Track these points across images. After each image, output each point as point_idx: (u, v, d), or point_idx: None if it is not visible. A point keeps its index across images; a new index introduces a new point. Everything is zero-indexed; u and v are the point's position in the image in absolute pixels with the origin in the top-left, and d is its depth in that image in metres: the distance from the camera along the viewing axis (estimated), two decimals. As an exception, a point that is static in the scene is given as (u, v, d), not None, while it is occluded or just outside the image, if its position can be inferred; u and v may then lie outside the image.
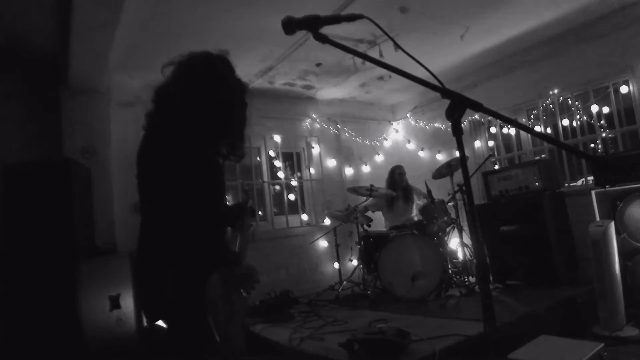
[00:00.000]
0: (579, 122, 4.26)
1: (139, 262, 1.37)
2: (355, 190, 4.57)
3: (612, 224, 3.02)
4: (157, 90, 1.46)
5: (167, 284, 1.28)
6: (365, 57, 1.11)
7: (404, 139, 6.14)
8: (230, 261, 1.40)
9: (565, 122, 4.38)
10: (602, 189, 3.35)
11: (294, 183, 5.47)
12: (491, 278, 3.89)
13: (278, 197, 5.38)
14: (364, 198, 4.57)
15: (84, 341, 2.94)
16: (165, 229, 1.30)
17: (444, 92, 0.98)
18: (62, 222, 3.06)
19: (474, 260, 3.87)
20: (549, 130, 4.55)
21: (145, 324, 3.55)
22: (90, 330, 2.98)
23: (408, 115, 5.99)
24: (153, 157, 1.36)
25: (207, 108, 1.39)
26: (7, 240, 2.99)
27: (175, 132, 1.35)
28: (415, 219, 4.73)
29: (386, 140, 6.26)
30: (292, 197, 5.39)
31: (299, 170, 5.73)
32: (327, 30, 1.03)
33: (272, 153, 5.35)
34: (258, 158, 5.36)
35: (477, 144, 5.21)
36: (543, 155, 4.57)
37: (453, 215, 4.16)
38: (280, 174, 5.36)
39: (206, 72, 1.44)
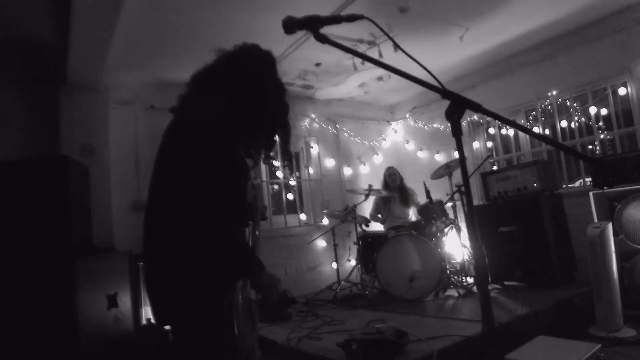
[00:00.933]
0: (577, 124, 4.27)
1: (152, 263, 1.25)
2: (354, 191, 4.58)
3: (610, 225, 3.03)
4: (195, 75, 1.37)
5: (185, 289, 1.19)
6: (365, 57, 1.11)
7: (402, 139, 6.15)
8: (255, 269, 1.29)
9: (564, 123, 4.39)
10: (600, 191, 3.36)
11: (292, 183, 5.46)
12: (489, 279, 3.90)
13: (276, 197, 5.38)
14: (363, 198, 4.57)
15: (81, 340, 2.93)
16: (187, 231, 1.19)
17: (444, 92, 0.98)
18: (58, 220, 3.04)
19: (472, 261, 3.88)
20: (547, 131, 4.56)
21: (144, 322, 3.55)
22: (87, 329, 2.97)
23: (407, 115, 6.00)
24: (181, 148, 1.24)
25: (249, 101, 1.31)
26: (2, 238, 2.98)
27: (210, 121, 1.24)
28: (413, 219, 4.74)
29: (385, 140, 6.26)
30: (290, 196, 5.39)
31: (298, 169, 5.73)
32: (327, 30, 1.03)
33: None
34: (257, 157, 5.35)
35: (476, 144, 5.22)
36: (541, 157, 4.58)
37: (451, 216, 4.16)
38: (279, 174, 5.36)
39: (256, 66, 1.37)
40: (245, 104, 1.31)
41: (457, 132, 0.97)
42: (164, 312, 1.25)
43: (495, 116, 1.04)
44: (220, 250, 1.21)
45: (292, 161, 1.36)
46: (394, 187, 4.90)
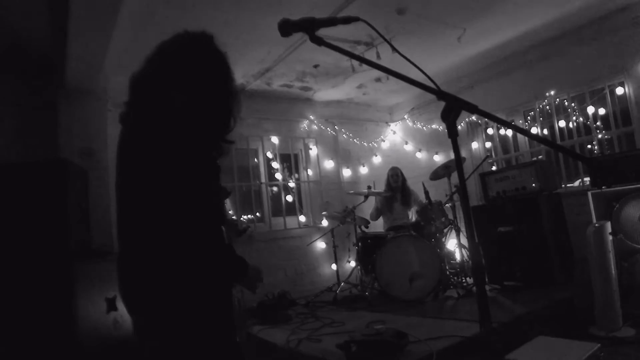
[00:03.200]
0: (575, 124, 4.28)
1: (127, 269, 1.20)
2: (355, 192, 4.59)
3: (608, 225, 3.03)
4: (136, 78, 1.27)
5: (174, 295, 1.13)
6: (362, 60, 1.11)
7: (401, 140, 6.15)
8: (239, 267, 1.27)
9: (562, 123, 4.39)
10: (599, 190, 3.37)
11: (291, 184, 5.47)
12: (488, 279, 3.90)
13: (276, 199, 5.38)
14: (362, 199, 4.57)
15: (80, 343, 2.92)
16: (170, 237, 1.13)
17: (439, 94, 0.99)
18: (57, 223, 3.04)
19: (471, 261, 3.88)
20: (545, 131, 4.56)
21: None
22: (86, 332, 2.96)
23: (405, 116, 6.00)
24: (144, 155, 1.17)
25: (207, 98, 1.23)
26: (1, 242, 2.97)
27: (168, 125, 1.16)
28: (413, 220, 4.74)
29: (384, 141, 6.27)
30: (289, 198, 5.39)
31: (297, 171, 5.73)
32: (324, 31, 1.03)
33: (269, 154, 5.35)
34: (256, 159, 5.36)
35: (475, 145, 5.23)
36: (540, 157, 4.59)
37: (450, 217, 4.17)
38: (278, 176, 5.36)
39: (200, 56, 1.25)
40: (200, 96, 1.23)
41: (452, 133, 0.98)
42: (148, 319, 1.18)
43: (491, 117, 1.04)
44: (208, 254, 1.17)
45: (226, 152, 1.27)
46: (396, 188, 4.90)
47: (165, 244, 1.14)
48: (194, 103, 1.21)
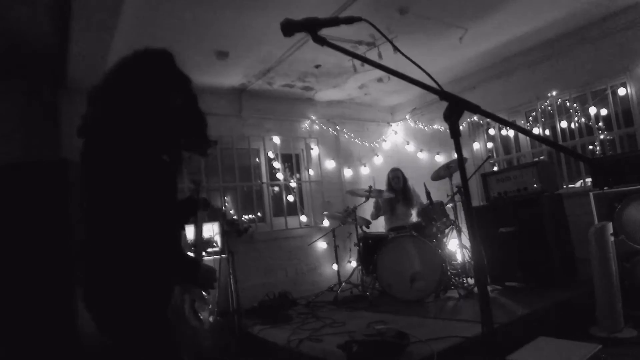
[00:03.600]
0: (577, 124, 4.27)
1: (89, 270, 1.29)
2: (354, 192, 4.58)
3: (610, 226, 3.02)
4: (92, 92, 1.37)
5: (120, 294, 1.22)
6: (364, 60, 1.11)
7: (403, 140, 6.15)
8: (189, 270, 1.34)
9: (564, 124, 4.39)
10: (601, 191, 3.36)
11: (293, 184, 5.47)
12: (489, 279, 3.90)
13: (277, 199, 5.38)
14: (363, 199, 4.57)
15: (81, 345, 2.93)
16: (120, 238, 1.21)
17: (442, 94, 0.98)
18: (58, 223, 3.05)
19: (472, 262, 3.88)
20: (547, 132, 4.56)
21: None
22: (87, 333, 2.97)
23: (407, 116, 6.00)
24: (100, 164, 1.26)
25: (150, 109, 1.30)
26: (2, 242, 2.98)
27: (120, 135, 1.25)
28: (415, 220, 4.74)
29: (385, 141, 6.26)
30: (291, 198, 5.39)
31: (298, 171, 5.73)
32: (326, 31, 1.03)
33: (271, 154, 5.35)
34: (257, 159, 5.36)
35: (476, 145, 5.22)
36: (542, 157, 4.58)
37: (452, 217, 4.16)
38: (279, 176, 5.36)
39: (146, 70, 1.34)
40: (152, 108, 1.30)
41: (455, 133, 0.97)
42: (105, 321, 1.27)
43: (493, 117, 1.04)
44: (158, 260, 1.24)
45: (206, 153, 1.37)
46: (398, 189, 4.90)
47: (115, 246, 1.22)
48: (149, 116, 1.29)
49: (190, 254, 1.69)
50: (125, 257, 1.21)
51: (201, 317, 1.49)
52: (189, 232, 1.70)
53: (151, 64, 1.35)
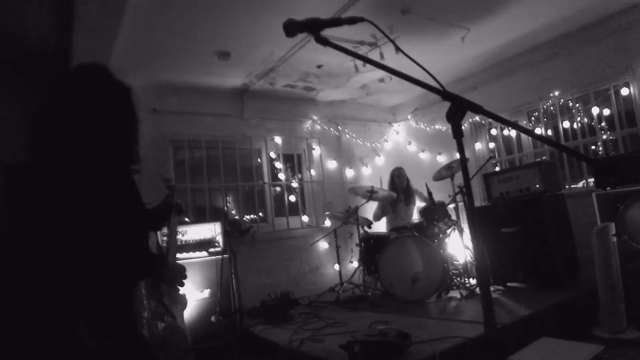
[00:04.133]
0: (579, 124, 4.26)
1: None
2: (355, 191, 4.58)
3: (613, 226, 3.02)
4: (37, 119, 1.42)
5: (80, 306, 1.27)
6: (366, 60, 1.11)
7: (404, 140, 6.15)
8: (154, 268, 1.41)
9: (566, 124, 4.38)
10: (603, 191, 3.35)
11: (294, 185, 5.47)
12: (491, 280, 3.89)
13: (279, 199, 5.38)
14: (365, 200, 4.57)
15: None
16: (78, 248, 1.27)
17: (445, 94, 0.98)
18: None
19: (475, 262, 3.87)
20: (549, 132, 4.55)
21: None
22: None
23: (409, 116, 6.00)
24: (51, 184, 1.33)
25: (96, 122, 1.33)
26: (8, 242, 2.98)
27: (70, 154, 1.30)
28: (416, 220, 4.73)
29: (387, 141, 6.26)
30: (292, 198, 5.39)
31: (300, 171, 5.74)
32: (328, 32, 1.03)
33: (272, 154, 5.36)
34: (259, 159, 5.36)
35: (478, 145, 5.21)
36: (544, 157, 4.57)
37: (454, 217, 4.16)
38: (281, 176, 5.37)
39: (83, 88, 1.38)
40: (95, 126, 1.33)
41: (457, 133, 0.97)
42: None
43: (496, 118, 1.04)
44: (121, 265, 1.29)
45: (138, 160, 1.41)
46: (401, 188, 4.90)
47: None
48: (94, 134, 1.32)
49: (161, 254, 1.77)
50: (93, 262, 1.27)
51: (174, 313, 1.53)
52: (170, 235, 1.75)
53: (86, 80, 1.39)
